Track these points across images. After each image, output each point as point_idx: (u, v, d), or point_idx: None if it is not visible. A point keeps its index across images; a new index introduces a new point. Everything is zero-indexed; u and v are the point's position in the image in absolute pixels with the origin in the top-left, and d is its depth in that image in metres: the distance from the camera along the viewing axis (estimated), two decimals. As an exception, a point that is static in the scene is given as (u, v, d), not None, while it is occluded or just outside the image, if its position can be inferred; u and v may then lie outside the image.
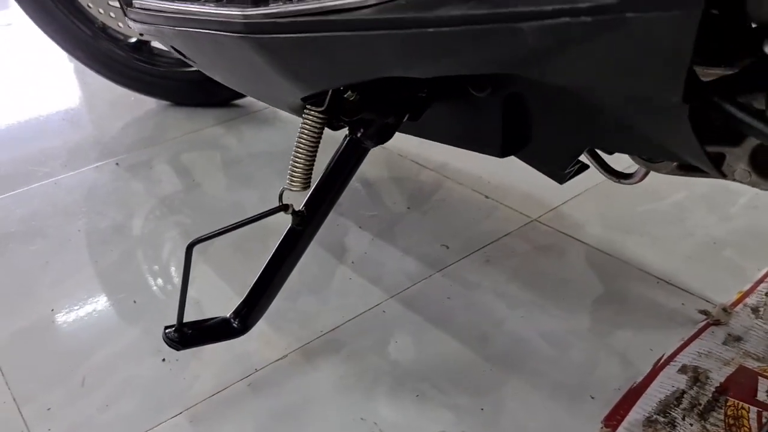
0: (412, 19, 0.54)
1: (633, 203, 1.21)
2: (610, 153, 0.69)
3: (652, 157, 0.62)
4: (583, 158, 0.75)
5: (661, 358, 0.86)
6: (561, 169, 0.65)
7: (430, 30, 0.53)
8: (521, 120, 0.67)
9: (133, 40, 1.58)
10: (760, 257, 1.04)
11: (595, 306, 0.97)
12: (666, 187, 1.23)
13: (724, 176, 0.60)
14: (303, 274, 1.05)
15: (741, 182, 0.59)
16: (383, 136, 0.71)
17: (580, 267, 1.06)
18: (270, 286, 0.77)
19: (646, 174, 0.71)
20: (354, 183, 1.30)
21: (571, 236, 1.13)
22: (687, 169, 0.61)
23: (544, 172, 0.71)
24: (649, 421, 0.77)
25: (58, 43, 1.56)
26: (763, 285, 0.97)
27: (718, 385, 0.80)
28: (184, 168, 1.42)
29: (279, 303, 0.96)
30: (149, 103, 1.72)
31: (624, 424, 0.77)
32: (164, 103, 1.71)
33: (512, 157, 1.28)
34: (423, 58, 0.56)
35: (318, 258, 1.10)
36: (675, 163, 0.61)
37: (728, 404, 0.77)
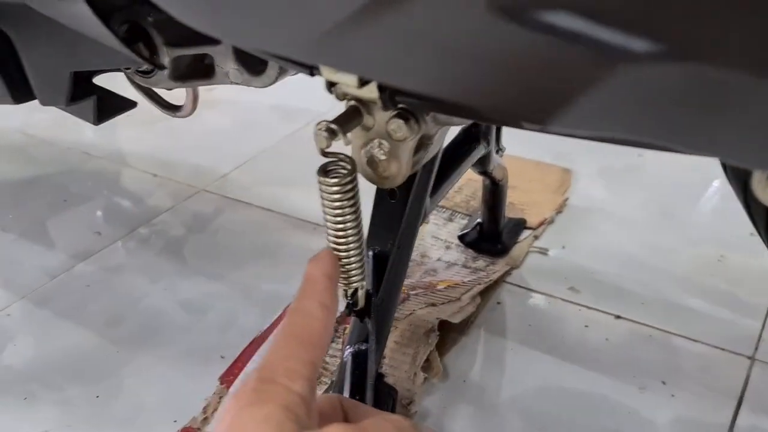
0: None
1: (300, 159, 1.17)
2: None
3: (119, 66, 0.56)
4: (138, 97, 0.67)
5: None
6: (64, 102, 0.57)
7: None
8: (16, 61, 0.58)
9: None
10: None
11: (244, 264, 0.91)
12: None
13: (226, 81, 0.55)
14: None
15: (237, 83, 0.54)
16: None
17: (239, 228, 1.00)
18: None
19: (193, 101, 0.65)
20: (3, 183, 1.15)
21: (234, 199, 1.06)
22: (183, 78, 0.55)
23: (76, 115, 0.63)
24: (262, 368, 0.71)
25: None
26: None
27: (339, 317, 0.76)
28: None
29: None
30: None
31: (241, 376, 0.71)
32: None
33: (185, 134, 1.20)
34: None
35: (-60, 270, 0.95)
36: (165, 73, 0.55)
37: (346, 332, 0.73)
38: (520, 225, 0.93)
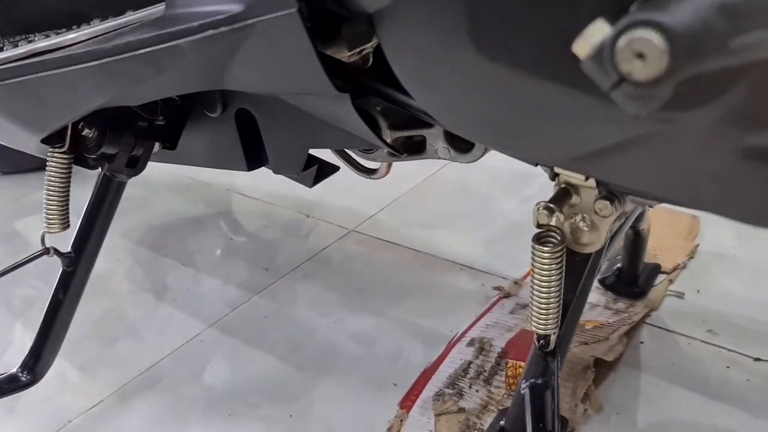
0: (104, 49, 0.57)
1: (442, 200, 1.28)
2: (361, 151, 0.74)
3: (353, 147, 0.67)
4: (336, 160, 0.80)
5: (454, 337, 0.91)
6: (297, 172, 0.69)
7: (119, 57, 0.56)
8: (256, 133, 0.71)
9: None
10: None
11: (401, 300, 1.02)
12: (475, 181, 1.31)
13: (435, 156, 0.66)
14: (122, 319, 1.05)
15: (446, 159, 0.65)
16: (134, 167, 0.73)
17: (390, 267, 1.11)
18: (52, 331, 0.77)
19: (388, 167, 0.77)
20: (177, 222, 1.31)
21: (384, 240, 1.18)
22: (397, 153, 0.66)
23: (294, 179, 0.76)
24: (438, 396, 0.81)
25: None
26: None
27: (500, 350, 0.86)
28: None
29: (96, 350, 0.96)
30: None
31: (418, 402, 0.82)
32: None
33: (333, 177, 1.34)
34: (124, 85, 0.59)
35: (138, 301, 1.10)
36: (385, 150, 0.66)
37: (508, 366, 0.83)
38: (655, 270, 1.00)
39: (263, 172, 1.36)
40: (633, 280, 0.97)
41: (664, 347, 0.89)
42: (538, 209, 0.51)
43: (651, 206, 0.77)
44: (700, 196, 0.42)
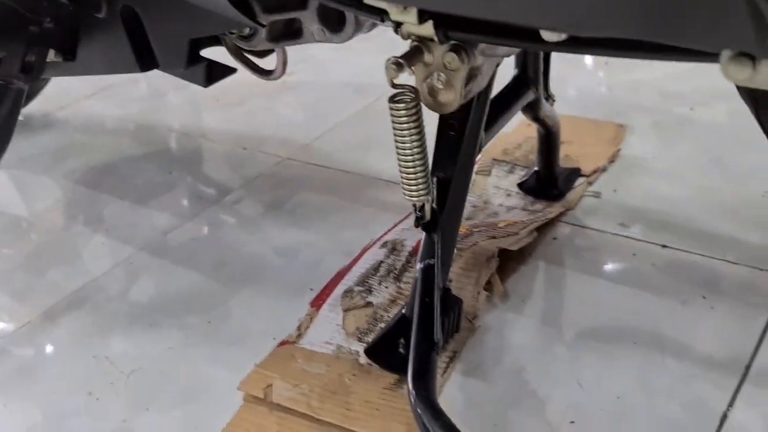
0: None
1: (376, 127, 1.28)
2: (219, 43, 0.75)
3: (230, 29, 0.68)
4: (234, 63, 0.81)
5: (371, 242, 0.93)
6: (182, 66, 0.70)
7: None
8: (143, 33, 0.71)
9: None
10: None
11: (327, 216, 1.04)
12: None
13: (312, 40, 0.67)
14: (54, 250, 1.07)
15: (321, 41, 0.66)
16: (28, 73, 0.74)
17: (321, 188, 1.12)
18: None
19: (283, 66, 0.78)
20: (118, 161, 1.32)
21: (316, 164, 1.19)
22: (277, 39, 0.67)
23: (188, 79, 0.76)
24: (347, 293, 0.83)
25: None
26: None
27: (411, 248, 0.87)
28: None
29: (26, 279, 0.98)
30: None
31: (328, 301, 0.83)
32: None
33: (268, 114, 1.34)
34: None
35: (72, 234, 1.11)
36: (263, 35, 0.67)
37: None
38: (575, 173, 1.02)
39: (206, 112, 1.36)
40: (551, 182, 0.98)
41: (576, 241, 0.91)
42: (388, 65, 0.52)
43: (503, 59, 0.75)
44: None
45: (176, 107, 1.53)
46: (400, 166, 0.59)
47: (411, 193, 0.60)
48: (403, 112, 0.54)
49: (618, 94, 1.29)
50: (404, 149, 0.57)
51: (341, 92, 1.46)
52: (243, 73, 0.84)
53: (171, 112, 1.47)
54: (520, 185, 1.00)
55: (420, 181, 0.59)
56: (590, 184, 1.01)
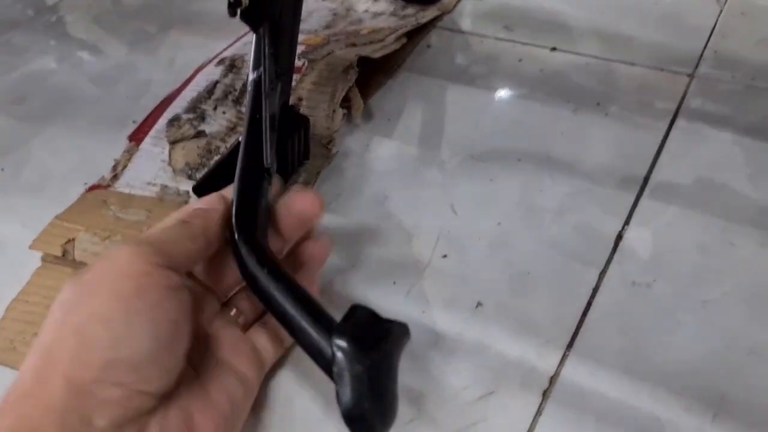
0: None
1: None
2: None
3: None
4: None
5: (205, 61, 0.75)
6: None
7: None
8: None
9: None
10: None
11: (156, 35, 0.84)
12: None
13: None
14: None
15: None
16: None
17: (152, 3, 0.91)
18: None
19: None
20: None
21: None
22: None
23: None
24: (173, 121, 0.66)
25: None
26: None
27: (252, 64, 0.70)
28: None
29: None
30: None
31: (151, 133, 0.67)
32: None
33: None
34: None
35: None
36: None
37: (260, 80, 0.68)
38: (452, -28, 0.85)
39: None
40: (425, -18, 0.82)
41: (453, 49, 0.76)
42: None
43: None
44: None
45: None
46: None
47: None
48: None
49: None
50: None
51: None
52: None
53: None
54: (389, -13, 0.83)
55: None
56: (471, -16, 0.85)
